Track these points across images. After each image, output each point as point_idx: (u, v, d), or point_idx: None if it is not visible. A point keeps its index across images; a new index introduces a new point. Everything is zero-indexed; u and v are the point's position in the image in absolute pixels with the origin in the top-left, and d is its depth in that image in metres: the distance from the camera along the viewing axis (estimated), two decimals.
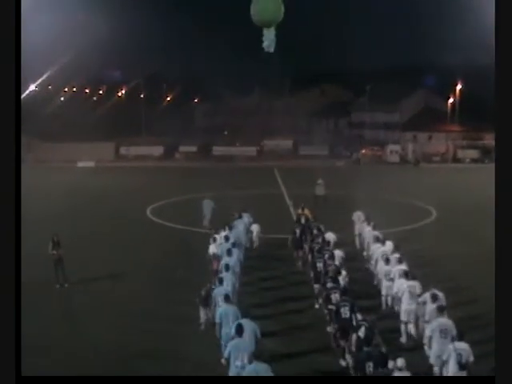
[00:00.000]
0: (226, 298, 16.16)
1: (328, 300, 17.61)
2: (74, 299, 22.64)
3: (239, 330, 13.92)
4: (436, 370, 14.54)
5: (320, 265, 20.91)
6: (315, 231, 25.44)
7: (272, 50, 13.27)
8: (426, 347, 15.42)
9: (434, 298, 16.42)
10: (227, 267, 19.19)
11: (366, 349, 13.43)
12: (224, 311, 15.80)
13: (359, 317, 15.74)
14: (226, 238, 23.37)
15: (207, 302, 18.30)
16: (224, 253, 21.21)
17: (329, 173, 53.26)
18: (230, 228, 25.95)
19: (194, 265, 26.16)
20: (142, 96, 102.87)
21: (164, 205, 44.23)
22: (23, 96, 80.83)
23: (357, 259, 26.29)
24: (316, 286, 20.85)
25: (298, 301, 21.40)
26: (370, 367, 12.99)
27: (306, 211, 30.27)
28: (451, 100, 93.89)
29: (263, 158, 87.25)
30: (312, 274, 21.79)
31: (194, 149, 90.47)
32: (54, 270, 23.46)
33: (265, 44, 13.18)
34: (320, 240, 23.79)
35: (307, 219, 29.19)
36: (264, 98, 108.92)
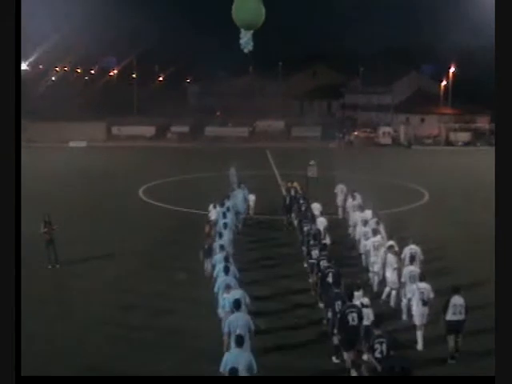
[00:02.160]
0: (236, 305, 14.74)
1: (309, 255, 20.83)
2: (65, 280, 22.62)
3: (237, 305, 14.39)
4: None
5: (306, 228, 23.64)
6: (302, 201, 28.71)
7: (248, 49, 13.16)
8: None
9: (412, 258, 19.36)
10: (225, 225, 22.93)
11: (335, 290, 16.07)
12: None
13: (326, 264, 18.44)
14: (222, 204, 26.62)
15: (210, 253, 21.13)
16: (220, 216, 24.67)
17: (321, 154, 53.22)
18: (228, 197, 29.03)
19: (185, 244, 26.25)
20: (134, 76, 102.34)
21: (156, 185, 44.14)
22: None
23: (339, 226, 29.18)
24: (303, 247, 23.26)
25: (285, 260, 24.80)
26: (339, 305, 15.18)
27: (295, 184, 33.19)
28: (444, 83, 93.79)
29: (255, 138, 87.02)
30: (300, 237, 24.87)
31: (186, 129, 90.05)
32: (45, 251, 23.39)
33: (242, 42, 13.04)
34: (305, 208, 27.22)
35: (296, 191, 31.94)
36: (257, 79, 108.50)
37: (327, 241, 22.48)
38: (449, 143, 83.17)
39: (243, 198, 31.18)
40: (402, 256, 19.75)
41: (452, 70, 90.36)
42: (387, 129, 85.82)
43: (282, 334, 17.32)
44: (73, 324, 17.98)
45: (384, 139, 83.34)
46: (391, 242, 20.56)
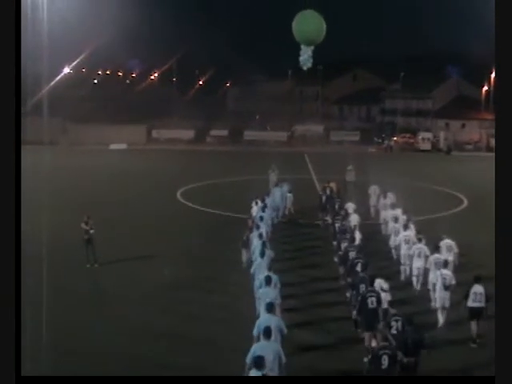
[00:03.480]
0: (269, 308, 14.79)
1: (339, 249, 22.61)
2: (103, 279, 22.98)
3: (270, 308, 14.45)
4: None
5: (337, 225, 25.36)
6: (336, 199, 31.14)
7: (307, 67, 13.18)
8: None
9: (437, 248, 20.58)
10: (261, 218, 25.41)
11: (360, 275, 17.80)
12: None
13: (354, 255, 19.93)
14: (262, 200, 29.05)
15: (247, 244, 22.94)
16: (259, 210, 27.20)
17: (360, 159, 53.06)
18: (268, 194, 31.76)
19: (223, 248, 26.49)
20: (174, 79, 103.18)
21: (194, 188, 44.50)
22: (57, 79, 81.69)
23: (372, 225, 30.20)
24: (334, 242, 24.86)
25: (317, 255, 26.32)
26: (362, 288, 16.73)
27: (332, 184, 34.77)
28: (485, 88, 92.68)
29: (294, 143, 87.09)
30: (332, 233, 26.41)
31: (225, 133, 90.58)
32: (84, 250, 23.79)
33: (301, 59, 13.09)
34: (339, 206, 29.36)
35: (331, 190, 33.82)
36: (296, 84, 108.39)
37: (357, 236, 23.52)
38: (490, 149, 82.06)
39: (281, 195, 33.26)
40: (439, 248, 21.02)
41: (493, 74, 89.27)
42: (427, 134, 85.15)
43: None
44: (104, 326, 18.25)
45: (423, 145, 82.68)
46: (419, 235, 22.33)
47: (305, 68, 13.11)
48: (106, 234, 26.16)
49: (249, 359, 12.22)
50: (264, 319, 13.97)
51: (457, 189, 43.83)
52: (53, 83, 76.99)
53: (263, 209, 27.47)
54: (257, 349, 12.37)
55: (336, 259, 23.42)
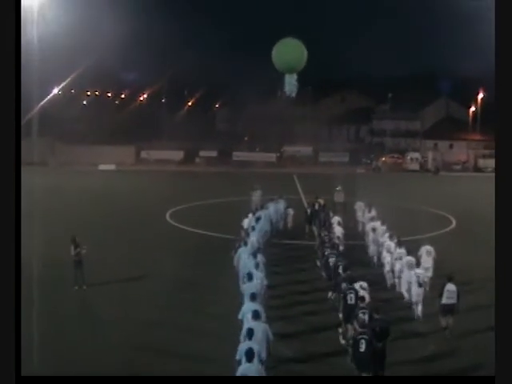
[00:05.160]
0: (255, 314, 15.73)
1: (323, 256, 24.43)
2: (91, 301, 22.84)
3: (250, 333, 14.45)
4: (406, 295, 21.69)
5: (322, 234, 27.39)
6: (322, 213, 33.40)
7: (294, 94, 13.31)
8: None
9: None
10: (253, 228, 26.94)
11: (342, 275, 20.13)
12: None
13: (335, 259, 22.22)
14: (253, 213, 30.88)
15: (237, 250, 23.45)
16: (252, 221, 28.71)
17: (349, 180, 53.19)
18: (262, 207, 33.36)
19: (211, 268, 26.45)
20: (163, 100, 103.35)
21: (183, 209, 44.45)
22: (46, 99, 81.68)
23: (356, 237, 32.18)
24: (318, 251, 27.23)
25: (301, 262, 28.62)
26: (344, 287, 18.64)
27: (320, 200, 36.38)
28: (473, 109, 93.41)
29: (283, 164, 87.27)
30: (317, 242, 28.84)
31: (214, 154, 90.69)
32: (73, 272, 23.65)
33: (287, 89, 13.19)
34: (325, 218, 31.66)
35: (319, 205, 35.53)
36: (285, 105, 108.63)
37: (340, 244, 25.93)
38: (478, 169, 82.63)
39: (275, 209, 34.61)
40: (419, 254, 23.61)
41: (481, 95, 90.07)
42: (415, 154, 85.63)
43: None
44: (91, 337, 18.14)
45: (412, 165, 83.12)
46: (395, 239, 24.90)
47: (293, 95, 13.19)
48: (94, 255, 26.00)
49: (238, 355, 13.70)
50: (252, 324, 14.95)
51: (445, 209, 43.99)
52: (42, 104, 77.02)
53: (256, 220, 28.99)
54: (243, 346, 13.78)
55: (318, 263, 25.95)
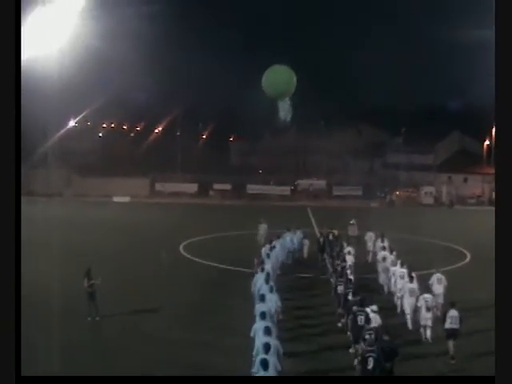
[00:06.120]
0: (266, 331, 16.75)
1: (336, 286, 24.93)
2: (104, 332, 22.80)
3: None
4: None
5: (335, 263, 28.26)
6: (335, 243, 34.76)
7: (288, 120, 13.57)
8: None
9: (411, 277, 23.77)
10: (268, 255, 28.36)
11: (353, 299, 20.84)
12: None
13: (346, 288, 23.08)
14: (270, 242, 31.84)
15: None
16: (267, 249, 30.04)
17: (362, 214, 53.15)
18: (278, 237, 34.07)
19: (226, 301, 26.39)
20: (178, 133, 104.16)
21: (197, 242, 44.49)
22: (62, 132, 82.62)
23: (367, 266, 33.62)
24: (331, 279, 27.71)
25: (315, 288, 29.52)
26: (354, 309, 19.44)
27: (334, 231, 37.81)
28: (487, 142, 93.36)
29: (297, 197, 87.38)
30: (330, 270, 29.91)
31: (228, 187, 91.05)
32: (86, 303, 23.66)
33: (281, 115, 13.42)
34: (338, 248, 32.28)
35: (333, 235, 36.81)
36: (299, 138, 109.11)
37: (349, 273, 25.90)
38: (493, 203, 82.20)
39: (291, 239, 35.82)
40: (430, 282, 24.55)
41: (494, 129, 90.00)
42: (429, 188, 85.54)
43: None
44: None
45: (426, 199, 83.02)
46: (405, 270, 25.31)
47: (288, 119, 13.46)
48: (107, 286, 26.04)
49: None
50: (267, 339, 15.68)
51: (460, 243, 43.77)
52: (58, 136, 77.92)
53: (271, 248, 30.28)
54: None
55: (333, 294, 25.76)
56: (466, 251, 40.95)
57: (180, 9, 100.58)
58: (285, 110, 13.20)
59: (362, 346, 16.95)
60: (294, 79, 13.21)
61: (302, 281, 31.26)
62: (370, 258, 35.75)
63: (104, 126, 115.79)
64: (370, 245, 36.40)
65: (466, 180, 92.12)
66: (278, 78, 13.12)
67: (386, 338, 16.61)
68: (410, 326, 22.52)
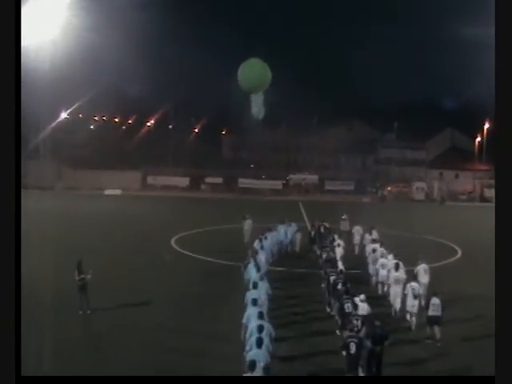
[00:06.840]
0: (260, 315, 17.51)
1: (326, 276, 25.01)
2: (95, 326, 22.71)
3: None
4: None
5: (325, 255, 28.61)
6: (326, 235, 35.44)
7: (261, 116, 13.43)
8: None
9: (397, 266, 24.50)
10: (261, 247, 29.64)
11: (342, 288, 21.57)
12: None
13: (335, 277, 23.34)
14: (262, 233, 32.32)
15: (246, 267, 24.81)
16: (260, 241, 30.83)
17: (354, 209, 53.17)
18: (270, 230, 34.47)
19: (217, 294, 26.34)
20: (170, 127, 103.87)
21: (188, 235, 44.42)
22: (54, 124, 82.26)
23: (354, 258, 34.27)
24: (321, 271, 27.33)
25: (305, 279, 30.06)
26: (342, 298, 20.38)
27: (325, 223, 38.42)
28: (479, 139, 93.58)
29: (288, 191, 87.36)
30: (320, 262, 29.53)
31: (219, 180, 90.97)
32: (78, 296, 23.54)
33: (253, 111, 13.30)
34: (328, 240, 32.96)
35: (325, 227, 37.55)
36: (292, 133, 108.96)
37: (340, 264, 26.80)
38: (484, 199, 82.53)
39: (285, 232, 36.53)
40: (415, 271, 25.16)
41: (487, 126, 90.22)
42: (421, 184, 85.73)
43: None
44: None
45: (417, 194, 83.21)
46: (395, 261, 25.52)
47: (260, 117, 13.30)
48: (98, 280, 25.92)
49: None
50: (259, 322, 16.59)
51: (451, 239, 43.87)
52: (49, 128, 77.58)
53: (264, 239, 31.27)
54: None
55: (323, 285, 25.81)
56: (457, 247, 41.02)
57: (173, 0, 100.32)
58: (258, 105, 13.07)
59: (346, 333, 17.54)
60: (269, 73, 13.12)
61: (292, 271, 31.56)
62: (356, 251, 36.47)
63: (96, 118, 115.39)
64: (357, 238, 37.10)
65: (457, 176, 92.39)
66: (253, 72, 13.03)
67: (377, 323, 17.32)
68: (394, 312, 23.42)
